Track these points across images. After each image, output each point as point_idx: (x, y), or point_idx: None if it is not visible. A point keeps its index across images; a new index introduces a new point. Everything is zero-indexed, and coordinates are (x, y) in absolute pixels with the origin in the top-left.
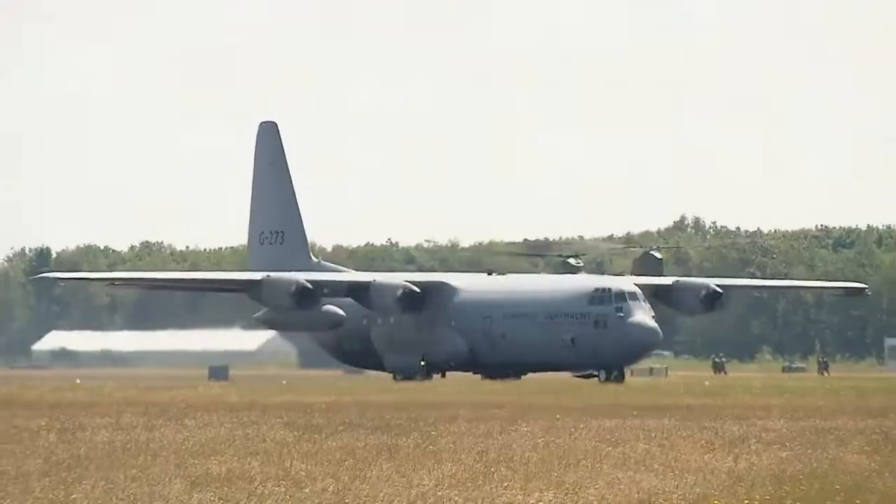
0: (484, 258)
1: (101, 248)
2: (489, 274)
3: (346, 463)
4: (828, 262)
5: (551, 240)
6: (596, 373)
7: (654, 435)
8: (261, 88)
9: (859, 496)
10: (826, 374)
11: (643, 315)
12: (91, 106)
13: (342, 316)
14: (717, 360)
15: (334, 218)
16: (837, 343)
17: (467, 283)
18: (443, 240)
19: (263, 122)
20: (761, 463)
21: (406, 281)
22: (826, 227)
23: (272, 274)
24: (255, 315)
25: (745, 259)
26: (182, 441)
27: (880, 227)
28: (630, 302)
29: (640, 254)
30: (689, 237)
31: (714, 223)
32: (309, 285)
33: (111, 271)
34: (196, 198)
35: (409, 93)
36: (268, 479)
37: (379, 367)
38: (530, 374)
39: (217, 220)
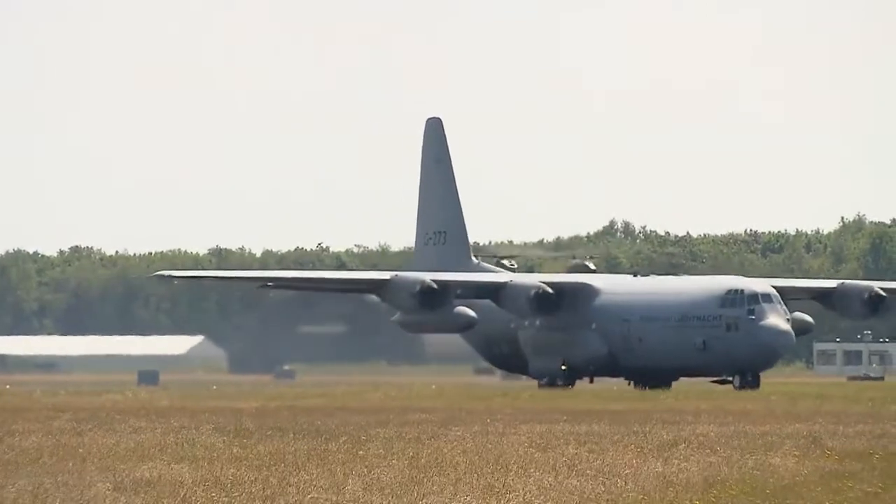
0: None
1: (30, 252)
2: (634, 275)
3: (276, 468)
4: (757, 267)
5: (480, 244)
6: (730, 378)
7: (584, 440)
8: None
9: (788, 500)
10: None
11: (776, 318)
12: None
13: (473, 317)
14: None
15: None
16: None
17: (609, 285)
18: (373, 244)
19: (430, 119)
20: (691, 468)
21: (542, 282)
22: (755, 231)
23: (400, 273)
24: (392, 318)
25: (676, 264)
26: (112, 446)
27: (809, 231)
28: (763, 304)
29: (573, 264)
30: (619, 242)
31: (644, 228)
32: (434, 285)
33: (41, 276)
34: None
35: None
36: (197, 483)
37: (527, 371)
38: (669, 382)
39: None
